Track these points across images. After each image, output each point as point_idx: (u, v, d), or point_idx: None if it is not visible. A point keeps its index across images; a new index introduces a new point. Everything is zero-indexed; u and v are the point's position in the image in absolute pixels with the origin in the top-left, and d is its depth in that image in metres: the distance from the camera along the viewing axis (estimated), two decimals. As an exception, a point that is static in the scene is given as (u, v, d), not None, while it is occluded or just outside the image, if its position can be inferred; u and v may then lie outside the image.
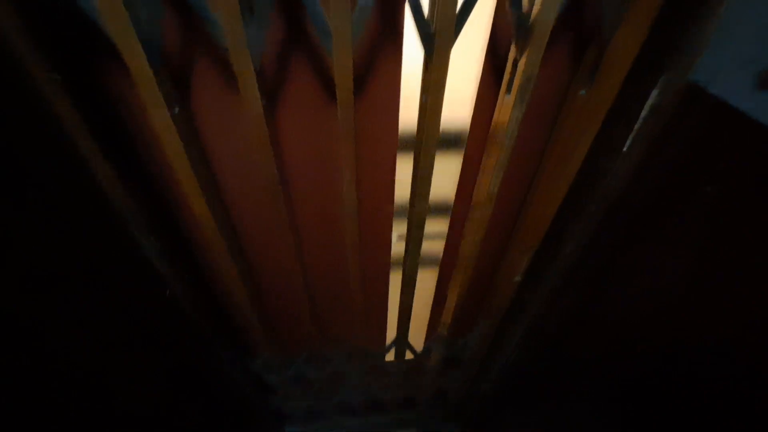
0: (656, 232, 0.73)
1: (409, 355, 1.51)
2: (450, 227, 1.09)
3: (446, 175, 0.97)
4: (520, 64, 0.69)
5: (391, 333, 1.41)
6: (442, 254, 1.16)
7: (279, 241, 0.99)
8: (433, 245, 1.13)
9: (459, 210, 1.04)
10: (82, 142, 0.67)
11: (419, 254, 1.04)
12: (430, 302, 1.33)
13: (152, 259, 0.89)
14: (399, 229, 1.08)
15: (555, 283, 1.02)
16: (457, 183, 0.98)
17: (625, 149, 0.75)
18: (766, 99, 0.49)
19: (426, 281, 1.24)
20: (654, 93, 0.69)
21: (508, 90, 0.74)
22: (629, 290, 0.81)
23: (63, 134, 0.65)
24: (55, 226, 0.67)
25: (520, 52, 0.69)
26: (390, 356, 1.50)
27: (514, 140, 0.78)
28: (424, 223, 0.95)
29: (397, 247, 1.13)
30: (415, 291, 1.18)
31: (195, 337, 1.12)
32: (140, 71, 0.61)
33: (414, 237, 0.98)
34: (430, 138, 0.77)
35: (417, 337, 1.44)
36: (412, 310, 1.24)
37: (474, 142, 0.90)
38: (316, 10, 0.61)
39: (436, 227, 1.09)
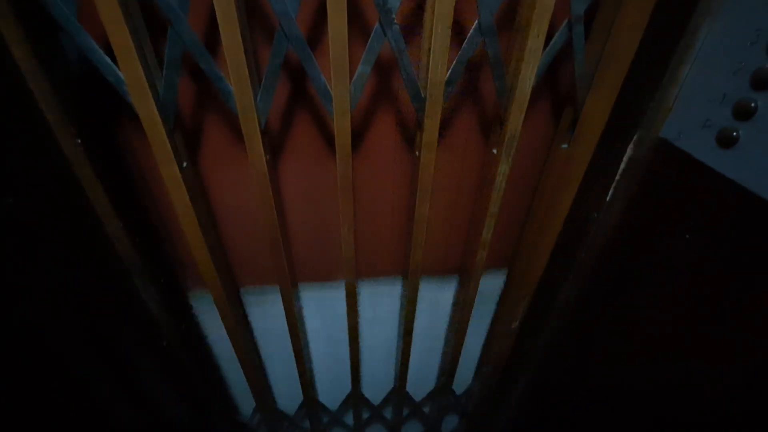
0: (645, 278, 0.76)
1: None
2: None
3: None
4: (505, 123, 0.75)
5: (387, 385, 1.38)
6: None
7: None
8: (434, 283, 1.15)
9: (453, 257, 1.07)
10: (97, 199, 0.71)
11: (416, 300, 1.05)
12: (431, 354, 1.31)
13: (152, 309, 0.90)
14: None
15: (551, 332, 1.03)
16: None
17: (608, 199, 0.80)
18: (725, 155, 0.54)
19: (426, 329, 1.24)
20: (629, 147, 0.75)
21: (495, 146, 0.80)
22: (621, 334, 0.82)
23: (82, 191, 0.69)
24: (65, 278, 0.70)
25: (503, 112, 0.75)
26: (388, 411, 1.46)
27: (502, 191, 0.82)
28: (419, 271, 0.97)
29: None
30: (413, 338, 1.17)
31: (188, 391, 1.10)
32: (155, 134, 0.66)
33: (411, 287, 1.00)
34: (423, 190, 0.81)
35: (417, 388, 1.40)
36: (409, 362, 1.23)
37: (465, 195, 0.95)
38: (318, 77, 0.67)
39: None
